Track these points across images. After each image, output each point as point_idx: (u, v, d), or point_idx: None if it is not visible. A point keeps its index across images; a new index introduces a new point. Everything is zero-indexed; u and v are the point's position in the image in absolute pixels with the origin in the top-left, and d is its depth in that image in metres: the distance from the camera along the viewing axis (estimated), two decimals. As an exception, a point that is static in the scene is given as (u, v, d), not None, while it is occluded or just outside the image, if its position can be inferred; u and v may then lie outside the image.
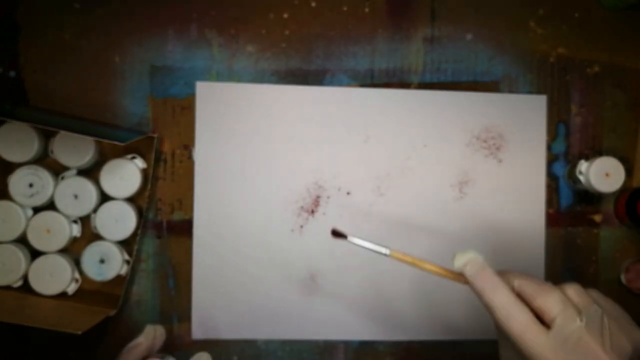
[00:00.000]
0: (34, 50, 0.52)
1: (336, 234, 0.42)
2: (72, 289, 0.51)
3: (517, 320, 0.34)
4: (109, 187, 0.50)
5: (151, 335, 0.44)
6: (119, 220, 0.50)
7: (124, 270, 0.51)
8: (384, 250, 0.40)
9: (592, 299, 0.36)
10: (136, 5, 0.52)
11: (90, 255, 0.50)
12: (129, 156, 0.51)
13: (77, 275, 0.51)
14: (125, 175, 0.50)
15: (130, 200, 0.51)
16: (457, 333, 0.54)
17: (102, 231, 0.50)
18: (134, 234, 0.51)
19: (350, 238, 0.41)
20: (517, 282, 0.36)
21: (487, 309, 0.36)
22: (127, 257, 0.51)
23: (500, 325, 0.35)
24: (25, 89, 0.52)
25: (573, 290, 0.36)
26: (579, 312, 0.34)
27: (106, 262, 0.50)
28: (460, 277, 0.38)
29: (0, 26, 0.51)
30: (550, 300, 0.35)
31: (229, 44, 0.53)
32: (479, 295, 0.37)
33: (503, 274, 0.37)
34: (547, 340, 0.34)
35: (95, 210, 0.50)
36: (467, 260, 0.38)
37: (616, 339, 0.34)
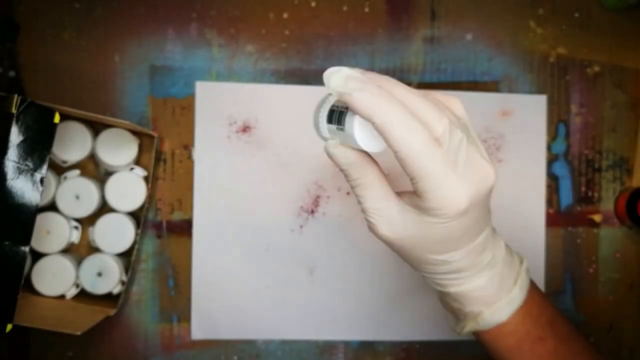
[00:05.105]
0: (34, 50, 0.52)
1: None
2: (71, 293, 0.50)
3: (419, 136, 0.30)
4: (114, 201, 0.50)
5: None
6: (117, 232, 0.50)
7: (117, 289, 0.51)
8: None
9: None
10: (136, 5, 0.52)
11: (89, 266, 0.50)
12: (128, 167, 0.51)
13: (78, 280, 0.51)
14: (129, 190, 0.50)
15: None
16: (457, 333, 0.54)
17: (100, 244, 0.50)
18: (132, 247, 0.51)
19: None
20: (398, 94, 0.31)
21: (380, 128, 0.30)
22: (124, 277, 0.51)
23: (397, 144, 0.30)
24: (25, 89, 0.52)
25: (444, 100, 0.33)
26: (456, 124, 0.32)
27: (103, 276, 0.50)
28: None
29: (0, 26, 0.51)
30: (436, 114, 0.31)
31: (228, 44, 0.53)
32: (368, 114, 0.30)
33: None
34: (444, 156, 0.30)
35: (95, 213, 0.50)
36: (346, 75, 0.31)
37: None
